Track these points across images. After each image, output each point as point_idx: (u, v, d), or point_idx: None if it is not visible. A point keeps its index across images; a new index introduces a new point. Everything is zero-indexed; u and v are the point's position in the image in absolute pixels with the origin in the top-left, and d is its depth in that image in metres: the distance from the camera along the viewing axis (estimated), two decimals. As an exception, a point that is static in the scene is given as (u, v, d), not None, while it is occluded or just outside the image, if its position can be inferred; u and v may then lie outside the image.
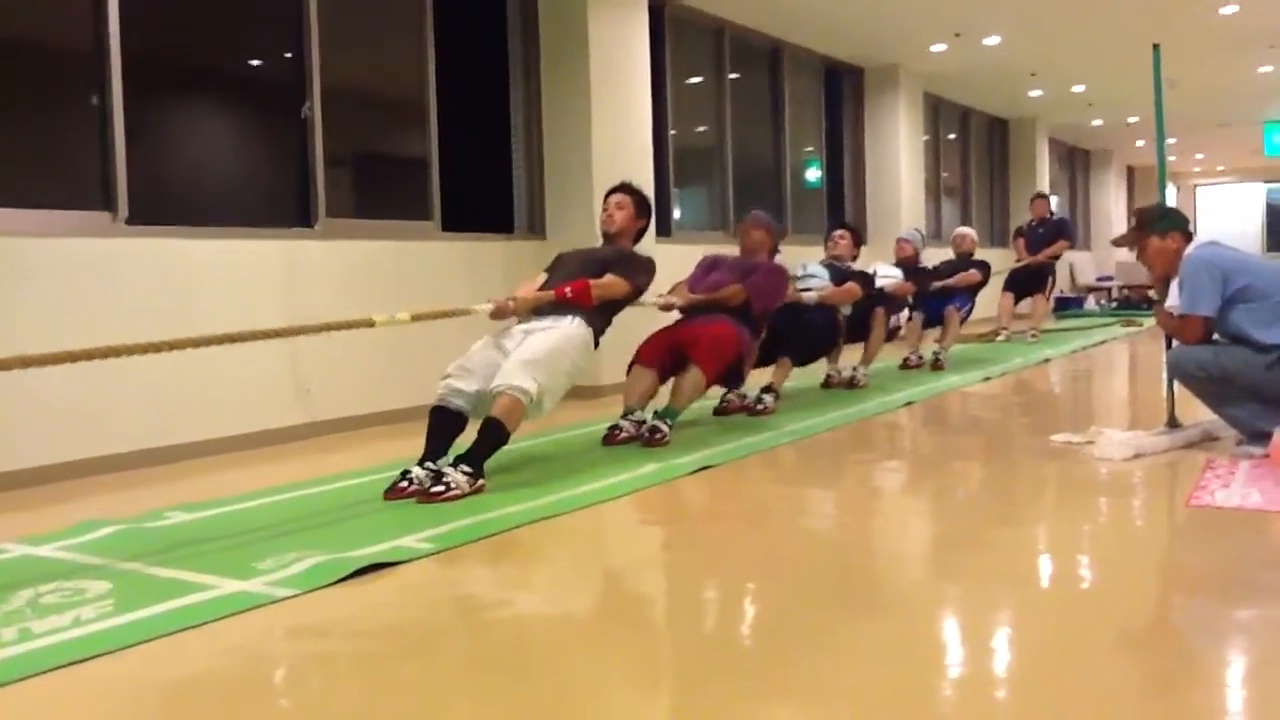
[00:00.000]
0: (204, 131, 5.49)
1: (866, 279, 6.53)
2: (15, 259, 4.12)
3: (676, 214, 8.18)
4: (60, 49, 4.67)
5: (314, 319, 4.99)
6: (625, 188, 4.75)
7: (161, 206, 4.76)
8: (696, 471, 4.06)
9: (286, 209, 5.39)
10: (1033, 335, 9.79)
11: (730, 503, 3.87)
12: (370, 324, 3.76)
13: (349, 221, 5.56)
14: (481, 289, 6.06)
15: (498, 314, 4.07)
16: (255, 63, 5.66)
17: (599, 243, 5.51)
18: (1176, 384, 4.36)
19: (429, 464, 3.69)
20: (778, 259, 5.57)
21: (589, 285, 4.15)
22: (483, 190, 6.69)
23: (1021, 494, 3.86)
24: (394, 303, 5.47)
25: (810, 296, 6.01)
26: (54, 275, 4.22)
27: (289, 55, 5.41)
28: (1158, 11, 9.03)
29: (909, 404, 5.89)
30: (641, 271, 4.44)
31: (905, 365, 7.53)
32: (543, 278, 4.44)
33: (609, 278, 4.26)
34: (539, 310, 4.13)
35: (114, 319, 4.36)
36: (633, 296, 4.42)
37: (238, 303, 4.85)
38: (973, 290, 8.23)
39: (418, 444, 3.82)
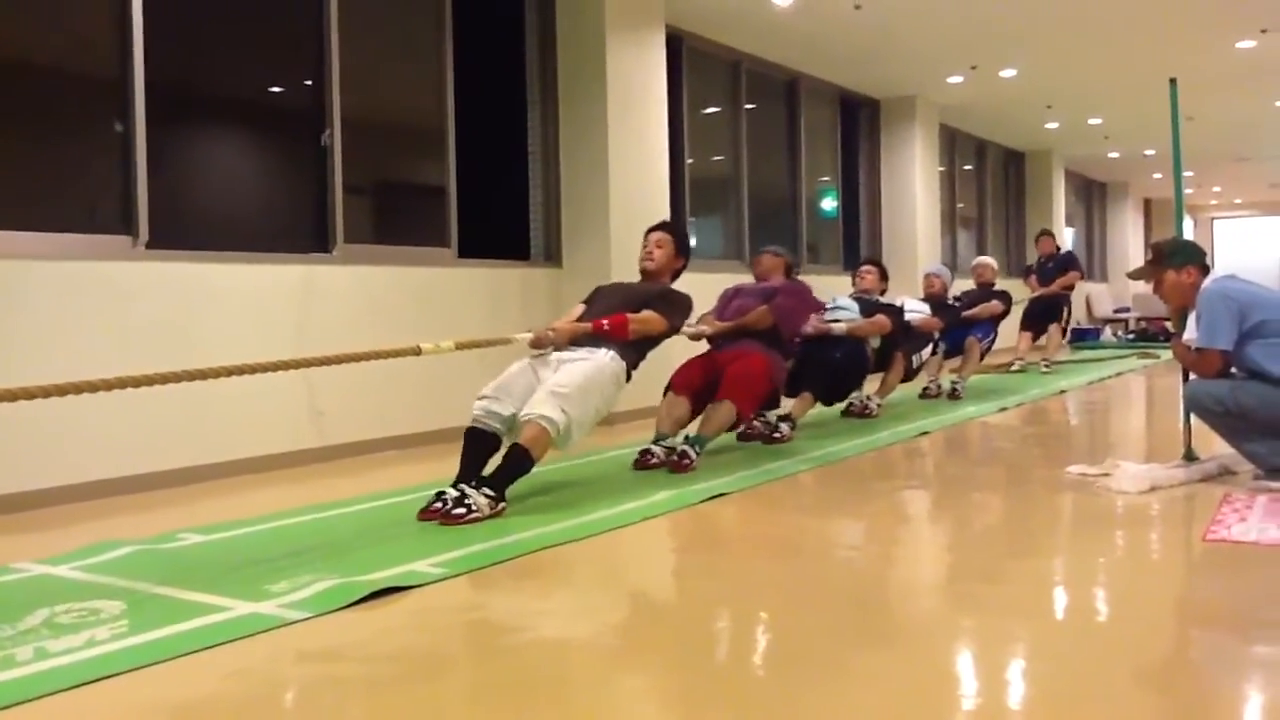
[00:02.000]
0: (224, 157, 5.55)
1: (895, 311, 6.61)
2: (37, 281, 4.16)
3: (693, 243, 8.18)
4: (85, 75, 4.74)
5: (330, 344, 5.04)
6: (666, 226, 4.87)
7: (181, 231, 4.80)
8: (710, 499, 4.06)
9: (305, 234, 5.43)
10: (1045, 366, 9.76)
11: (743, 530, 3.86)
12: (417, 352, 3.82)
13: (366, 247, 5.61)
14: (498, 316, 6.11)
15: (536, 344, 4.16)
16: (276, 90, 5.72)
17: (614, 271, 5.56)
18: (1193, 417, 4.34)
19: (462, 485, 3.74)
20: (799, 280, 5.67)
21: (627, 320, 4.23)
22: (499, 218, 6.73)
23: (1036, 526, 3.84)
24: (410, 328, 5.52)
25: (840, 328, 6.10)
26: (75, 298, 4.26)
27: (309, 83, 5.47)
28: (1174, 45, 9.06)
29: (924, 434, 5.88)
30: (679, 310, 4.52)
31: (924, 394, 7.59)
32: (580, 309, 4.51)
33: (646, 314, 4.34)
34: (576, 341, 4.20)
35: (133, 341, 4.40)
36: (668, 334, 4.50)
37: (255, 326, 4.89)
38: (995, 320, 8.25)
39: (432, 468, 3.84)
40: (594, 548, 3.39)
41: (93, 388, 2.93)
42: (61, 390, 2.86)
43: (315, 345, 5.05)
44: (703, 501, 4.03)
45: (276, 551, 3.28)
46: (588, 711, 2.10)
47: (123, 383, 3.02)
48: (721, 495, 4.12)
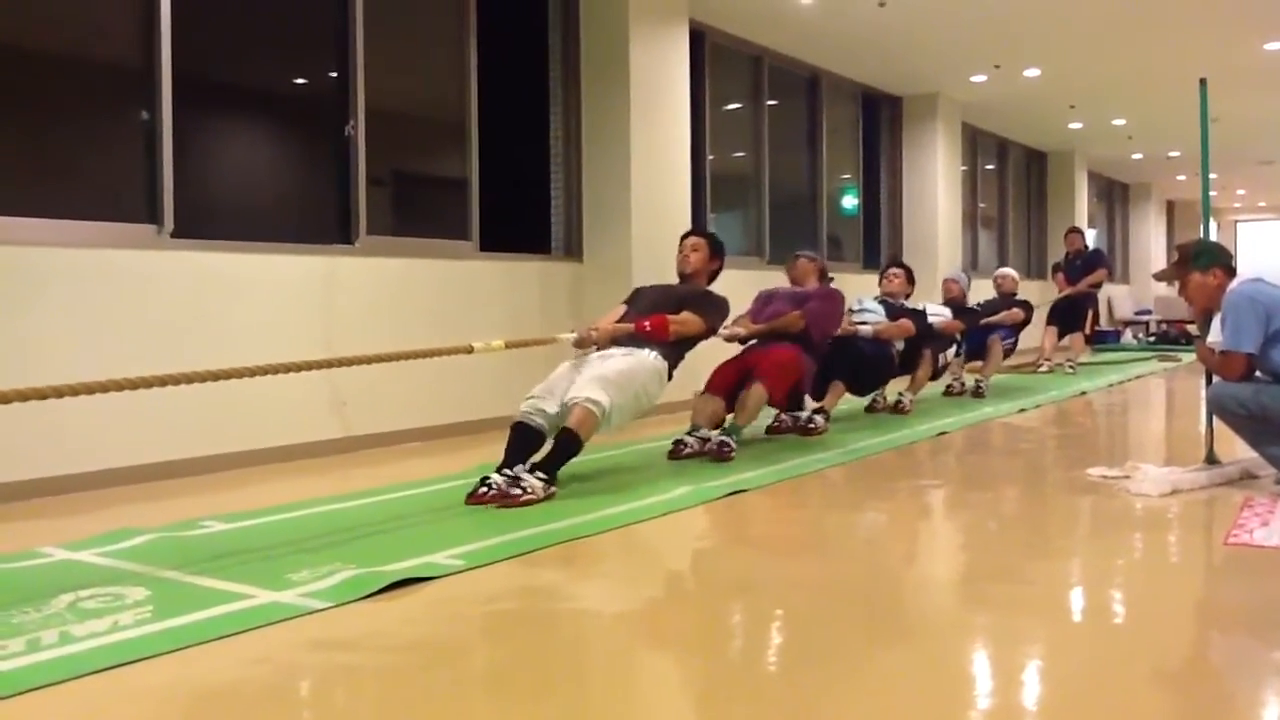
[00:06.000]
0: (249, 147, 5.58)
1: (919, 316, 6.71)
2: (61, 269, 4.19)
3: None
4: (112, 64, 4.77)
5: (353, 335, 5.07)
6: (700, 231, 5.11)
7: (206, 220, 4.83)
8: (733, 494, 4.07)
9: (328, 225, 5.45)
10: (1071, 367, 9.78)
11: (762, 525, 3.87)
12: (469, 350, 4.01)
13: (389, 239, 5.62)
14: (518, 309, 6.14)
15: (580, 343, 4.36)
16: (301, 81, 5.75)
17: (634, 265, 5.55)
18: (1215, 420, 4.32)
19: (506, 471, 3.87)
20: (832, 286, 5.83)
21: (667, 321, 4.40)
22: (521, 211, 6.75)
23: (1056, 527, 3.83)
24: (431, 321, 5.55)
25: (866, 330, 6.29)
26: (100, 286, 4.30)
27: (334, 75, 5.49)
28: (1200, 46, 8.99)
29: (943, 433, 5.87)
30: (716, 312, 4.70)
31: (948, 392, 7.69)
32: (622, 309, 4.67)
33: (685, 315, 4.50)
34: (618, 341, 4.37)
35: (157, 330, 4.43)
36: (706, 335, 4.67)
37: (278, 316, 4.91)
38: (1017, 327, 8.33)
39: (454, 460, 3.87)
40: (615, 541, 3.40)
41: (118, 387, 2.96)
42: (88, 389, 2.88)
43: (338, 337, 5.08)
44: (725, 496, 4.04)
45: (298, 541, 3.30)
46: (600, 704, 2.11)
47: (146, 382, 3.04)
48: (743, 491, 4.13)
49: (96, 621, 2.45)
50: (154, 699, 2.10)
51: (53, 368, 3.84)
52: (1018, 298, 8.68)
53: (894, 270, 6.90)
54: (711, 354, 5.24)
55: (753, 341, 5.35)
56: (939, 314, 7.31)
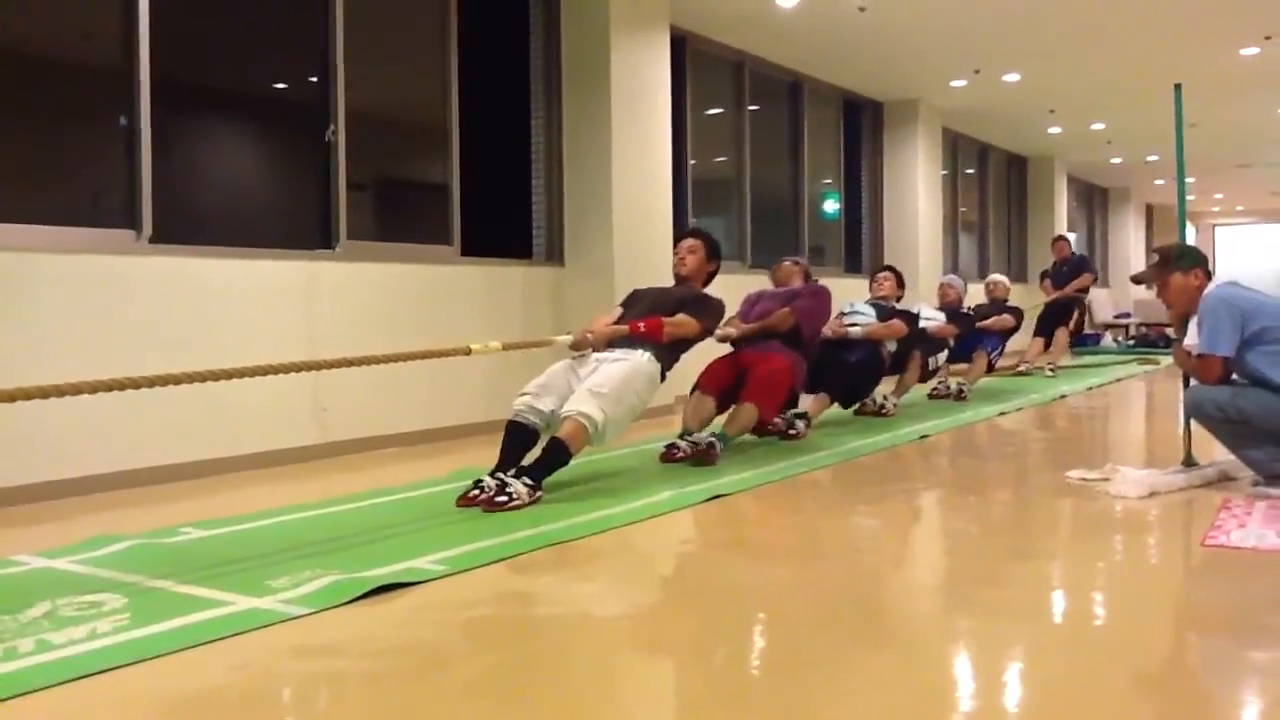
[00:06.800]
0: (229, 152, 5.56)
1: (911, 317, 6.74)
2: (39, 274, 4.17)
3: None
4: (91, 68, 4.75)
5: (334, 340, 5.06)
6: (697, 233, 5.08)
7: (185, 226, 4.81)
8: (715, 498, 4.08)
9: (308, 231, 5.44)
10: (1051, 369, 9.85)
11: (746, 530, 3.87)
12: (467, 352, 4.04)
13: (370, 244, 5.61)
14: (500, 314, 6.13)
15: (577, 345, 4.37)
16: (281, 86, 5.73)
17: (616, 270, 5.54)
18: (1193, 423, 4.35)
19: (499, 475, 3.89)
20: (817, 284, 5.87)
21: (663, 323, 4.43)
22: (502, 216, 6.74)
23: (1036, 530, 3.85)
24: (413, 326, 5.54)
25: (856, 331, 6.31)
26: (77, 291, 4.27)
27: (314, 79, 5.48)
28: (1177, 51, 9.07)
29: (925, 436, 5.89)
30: (712, 314, 4.72)
31: (933, 395, 7.77)
32: (618, 311, 4.70)
33: (681, 317, 4.53)
34: (614, 343, 4.38)
35: (136, 336, 4.40)
36: (701, 337, 4.70)
37: (258, 322, 4.89)
38: (1006, 334, 8.42)
39: (435, 465, 3.85)
40: (600, 545, 3.40)
41: (93, 389, 2.93)
42: (62, 391, 2.86)
43: (319, 342, 5.07)
44: (711, 499, 4.05)
45: (278, 547, 3.28)
46: (582, 710, 2.10)
47: (135, 383, 3.02)
48: (718, 497, 4.13)
49: (74, 629, 2.43)
50: (132, 706, 2.08)
51: (31, 373, 3.81)
52: (1009, 304, 8.76)
53: (884, 274, 6.96)
54: (703, 357, 5.24)
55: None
56: (933, 318, 7.38)
